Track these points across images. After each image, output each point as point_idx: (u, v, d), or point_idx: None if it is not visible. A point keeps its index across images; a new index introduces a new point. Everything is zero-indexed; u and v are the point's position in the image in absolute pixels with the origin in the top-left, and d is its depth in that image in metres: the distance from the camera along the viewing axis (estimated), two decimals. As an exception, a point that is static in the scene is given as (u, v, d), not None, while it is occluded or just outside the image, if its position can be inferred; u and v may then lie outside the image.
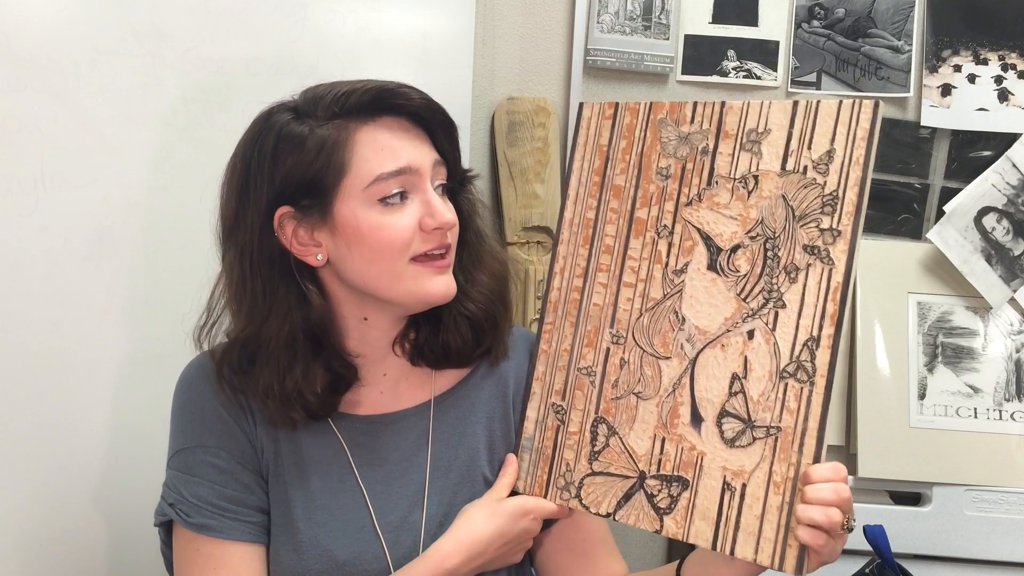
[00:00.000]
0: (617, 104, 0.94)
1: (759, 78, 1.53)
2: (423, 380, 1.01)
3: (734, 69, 1.52)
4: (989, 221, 1.51)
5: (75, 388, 1.27)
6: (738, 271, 0.86)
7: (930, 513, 1.49)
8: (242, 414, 0.95)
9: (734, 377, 0.84)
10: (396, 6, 1.38)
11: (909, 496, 1.52)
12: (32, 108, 1.22)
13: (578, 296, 0.94)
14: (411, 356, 0.99)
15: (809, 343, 0.81)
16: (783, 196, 0.84)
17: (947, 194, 1.53)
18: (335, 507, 0.94)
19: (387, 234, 0.89)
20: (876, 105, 0.80)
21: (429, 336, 0.98)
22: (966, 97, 1.52)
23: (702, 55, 1.52)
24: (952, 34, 1.52)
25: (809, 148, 0.83)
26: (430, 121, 0.93)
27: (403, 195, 0.90)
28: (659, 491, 0.87)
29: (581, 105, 0.97)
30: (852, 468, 1.51)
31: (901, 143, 1.53)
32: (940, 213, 1.52)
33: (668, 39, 1.51)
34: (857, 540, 1.42)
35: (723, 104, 0.88)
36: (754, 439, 0.83)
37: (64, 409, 1.27)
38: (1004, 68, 1.52)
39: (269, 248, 0.91)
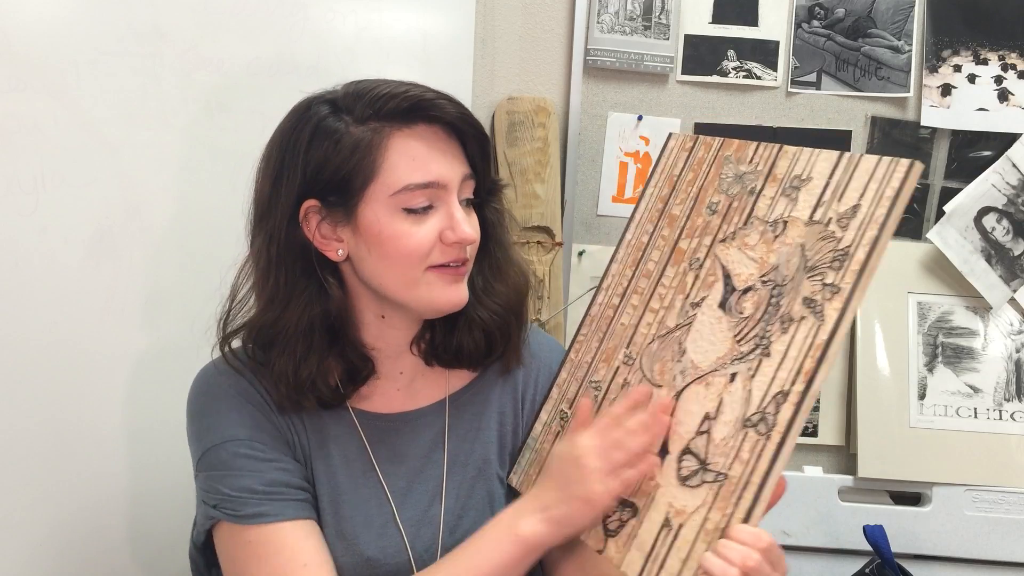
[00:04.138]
0: (697, 137, 0.96)
1: (759, 78, 1.53)
2: (438, 378, 1.02)
3: (734, 69, 1.52)
4: (989, 221, 1.51)
5: (74, 388, 1.27)
6: (742, 313, 0.85)
7: (930, 513, 1.49)
8: (268, 408, 0.95)
9: (706, 416, 0.83)
10: (396, 6, 1.38)
11: (909, 496, 1.52)
12: (32, 108, 1.22)
13: (612, 314, 0.96)
14: (426, 356, 1.01)
15: (778, 396, 0.79)
16: (802, 245, 0.83)
17: (947, 194, 1.53)
18: (359, 502, 0.95)
19: (407, 243, 0.90)
20: (911, 166, 0.77)
21: (444, 337, 0.99)
22: (966, 97, 1.52)
23: (702, 55, 1.52)
24: (952, 34, 1.52)
25: (839, 201, 0.81)
26: (464, 133, 0.94)
27: (428, 207, 0.91)
28: (613, 513, 0.87)
29: (669, 135, 0.99)
30: (852, 468, 1.51)
31: (901, 143, 1.53)
32: (940, 213, 1.52)
33: (668, 39, 1.51)
34: (857, 540, 1.42)
35: (780, 147, 0.88)
36: (702, 482, 0.81)
37: (63, 409, 1.27)
38: (1004, 68, 1.52)
39: (295, 238, 0.92)
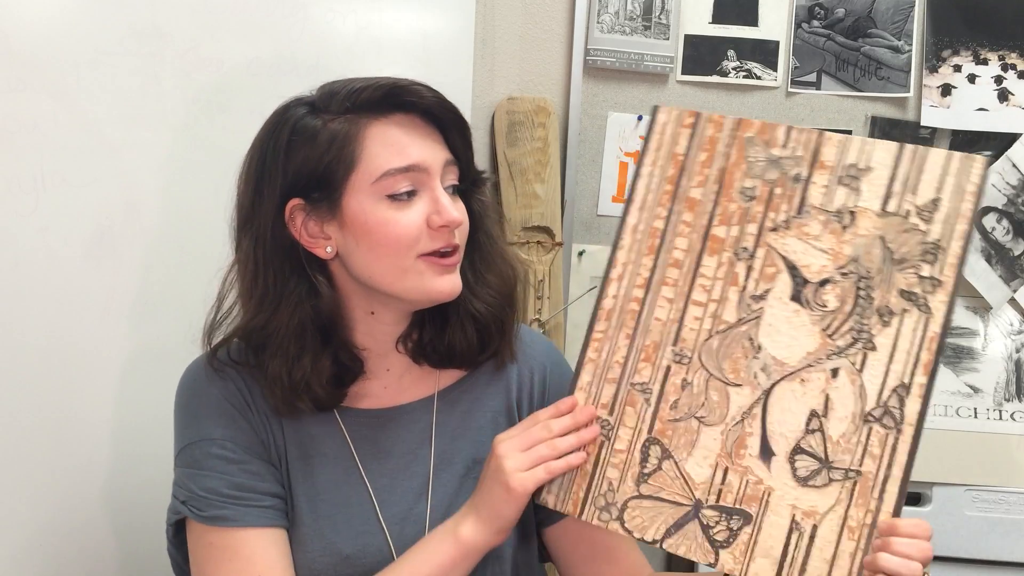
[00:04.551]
0: (699, 114, 0.91)
1: (759, 78, 1.53)
2: (426, 375, 1.01)
3: (734, 69, 1.52)
4: (989, 221, 1.51)
5: (75, 388, 1.27)
6: (825, 306, 0.84)
7: (930, 513, 1.49)
8: (247, 408, 0.95)
9: (813, 414, 0.83)
10: (396, 6, 1.38)
11: (909, 496, 1.52)
12: (32, 108, 1.22)
13: (637, 307, 0.90)
14: (413, 355, 1.00)
15: (899, 390, 0.81)
16: (881, 237, 0.83)
17: (947, 194, 1.53)
18: (339, 500, 0.95)
19: (393, 230, 0.90)
20: (986, 164, 0.82)
21: (434, 336, 0.98)
22: (966, 97, 1.52)
23: (702, 55, 1.52)
24: (952, 34, 1.52)
25: (914, 193, 0.83)
26: (443, 120, 0.93)
27: (412, 193, 0.91)
28: (717, 523, 0.84)
29: (656, 108, 0.93)
30: (852, 468, 1.51)
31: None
32: (940, 213, 1.52)
33: (668, 39, 1.51)
34: (857, 540, 1.42)
35: (820, 133, 0.87)
36: (830, 480, 0.81)
37: (64, 409, 1.27)
38: (1004, 68, 1.52)
39: (281, 239, 0.92)
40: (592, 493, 0.88)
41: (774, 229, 0.87)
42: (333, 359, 0.94)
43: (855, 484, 0.80)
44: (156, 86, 1.28)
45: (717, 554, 0.83)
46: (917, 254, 0.82)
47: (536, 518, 1.02)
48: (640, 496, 0.86)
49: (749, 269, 0.87)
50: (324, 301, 0.92)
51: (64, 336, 1.26)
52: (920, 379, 0.81)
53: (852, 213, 0.84)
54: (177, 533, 0.97)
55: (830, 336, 0.83)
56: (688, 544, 0.84)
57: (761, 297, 0.86)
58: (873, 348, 0.82)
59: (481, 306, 0.97)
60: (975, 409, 1.50)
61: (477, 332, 0.98)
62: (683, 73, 1.52)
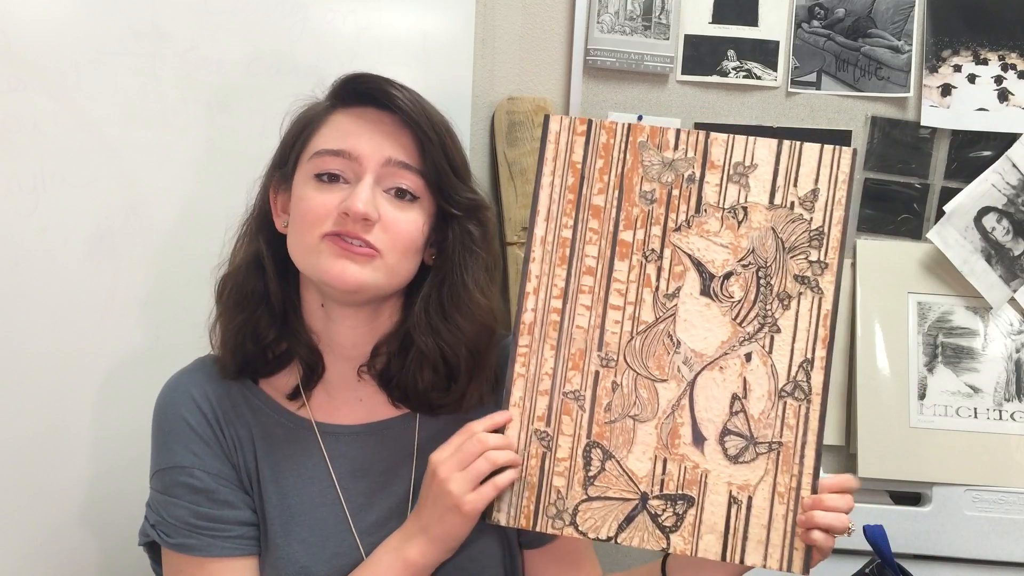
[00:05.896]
0: (590, 121, 0.94)
1: (759, 78, 1.53)
2: None
3: (734, 69, 1.52)
4: (989, 221, 1.51)
5: (75, 388, 1.27)
6: (732, 297, 0.92)
7: (930, 513, 1.49)
8: (219, 431, 0.95)
9: (734, 397, 0.91)
10: (396, 6, 1.38)
11: (909, 496, 1.52)
12: (32, 108, 1.22)
13: (558, 318, 0.93)
14: (379, 383, 0.97)
15: (804, 365, 0.90)
16: (773, 228, 0.92)
17: (947, 194, 1.53)
18: (314, 522, 0.94)
19: (306, 205, 0.91)
20: (854, 153, 0.92)
21: (395, 368, 0.96)
22: (966, 97, 1.52)
23: (702, 55, 1.52)
24: (952, 34, 1.52)
25: (795, 186, 0.92)
26: (420, 127, 0.92)
27: (335, 176, 0.92)
28: (664, 510, 0.90)
29: (547, 118, 0.95)
30: (852, 468, 1.51)
31: (901, 143, 1.53)
32: (940, 213, 1.52)
33: (668, 39, 1.51)
34: (857, 540, 1.42)
35: (707, 134, 0.93)
36: (757, 454, 0.90)
37: (64, 409, 1.27)
38: (1004, 68, 1.52)
39: (265, 207, 0.99)
40: (542, 504, 0.91)
41: (677, 229, 0.93)
42: (295, 345, 0.97)
43: (779, 454, 0.90)
44: (156, 86, 1.28)
45: (668, 539, 0.90)
46: (804, 241, 0.91)
47: (520, 539, 1.02)
48: (589, 498, 0.91)
49: (659, 269, 0.93)
50: (268, 276, 0.95)
51: (64, 336, 1.26)
52: (820, 352, 0.90)
53: (744, 208, 0.92)
54: (152, 548, 0.98)
55: (740, 324, 0.92)
56: (640, 535, 0.90)
57: (674, 295, 0.92)
58: (778, 330, 0.91)
59: (444, 347, 0.94)
60: (975, 409, 1.50)
61: (436, 376, 0.95)
62: (683, 73, 1.52)
